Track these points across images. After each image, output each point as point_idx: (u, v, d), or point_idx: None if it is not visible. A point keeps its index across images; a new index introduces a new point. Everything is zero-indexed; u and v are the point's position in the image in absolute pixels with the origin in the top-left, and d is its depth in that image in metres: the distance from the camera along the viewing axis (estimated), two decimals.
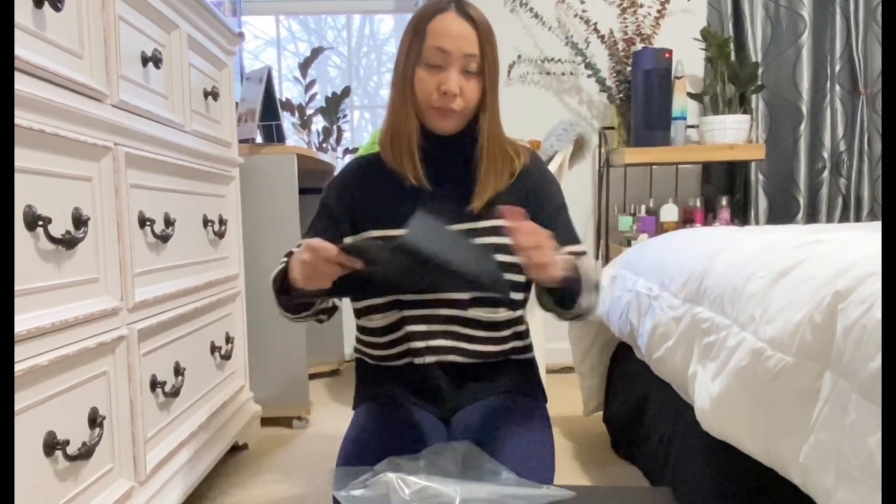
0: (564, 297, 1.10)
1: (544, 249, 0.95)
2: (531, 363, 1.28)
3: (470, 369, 1.20)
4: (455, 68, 1.11)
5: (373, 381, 1.24)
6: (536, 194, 1.21)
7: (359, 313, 1.24)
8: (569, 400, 2.23)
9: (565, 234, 1.19)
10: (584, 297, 1.11)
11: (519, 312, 1.23)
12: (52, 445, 0.95)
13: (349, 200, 1.21)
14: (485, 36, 1.11)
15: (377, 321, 1.20)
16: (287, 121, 2.76)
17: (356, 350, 1.29)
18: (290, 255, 1.16)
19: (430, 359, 1.18)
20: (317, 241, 0.93)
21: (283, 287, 1.08)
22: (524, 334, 1.26)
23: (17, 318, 0.88)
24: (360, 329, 1.26)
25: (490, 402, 1.18)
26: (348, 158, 2.94)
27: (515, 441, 1.08)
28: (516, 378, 1.23)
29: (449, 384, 1.19)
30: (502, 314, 1.19)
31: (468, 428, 1.12)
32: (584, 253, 1.20)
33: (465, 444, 1.03)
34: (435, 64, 1.11)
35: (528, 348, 1.27)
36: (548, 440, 1.14)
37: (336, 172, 1.33)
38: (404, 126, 1.15)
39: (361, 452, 1.05)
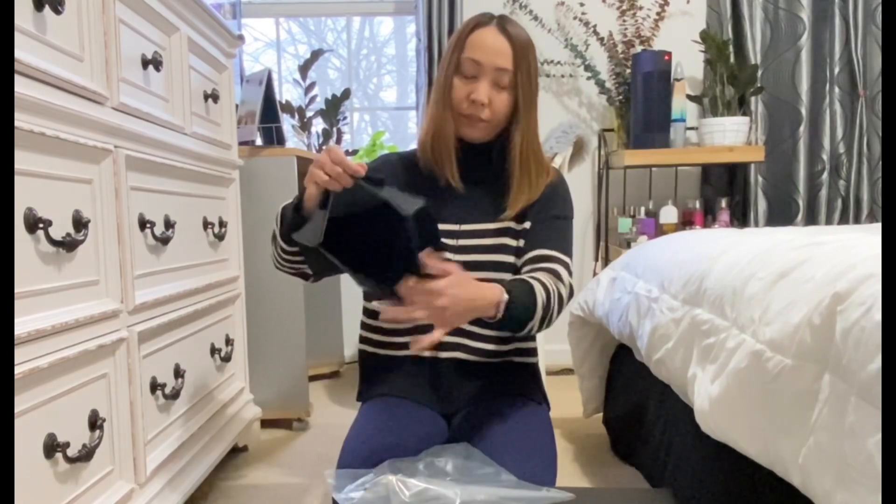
0: (504, 326, 1.06)
1: (435, 305, 0.93)
2: (534, 368, 1.28)
3: (474, 368, 1.21)
4: (486, 80, 1.14)
5: (377, 375, 1.25)
6: (544, 202, 1.23)
7: (368, 296, 1.26)
8: (568, 402, 2.23)
9: (550, 241, 1.19)
10: (536, 319, 1.07)
11: None
12: (52, 447, 0.95)
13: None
14: (521, 52, 1.15)
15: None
16: (287, 123, 2.76)
17: (361, 340, 1.30)
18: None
19: (436, 353, 1.19)
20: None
21: (285, 221, 1.09)
22: (527, 336, 1.26)
23: (17, 320, 0.88)
24: (368, 313, 1.27)
25: (492, 404, 1.18)
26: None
27: (517, 443, 1.08)
28: (519, 381, 1.24)
29: (453, 379, 1.20)
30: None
31: (470, 429, 1.13)
32: (552, 264, 1.16)
33: (464, 447, 1.03)
34: (469, 74, 1.15)
35: (532, 352, 1.27)
36: (549, 443, 1.14)
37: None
38: (443, 130, 1.19)
39: (364, 451, 1.05)
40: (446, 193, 1.23)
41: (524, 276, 1.11)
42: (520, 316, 1.04)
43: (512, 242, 1.21)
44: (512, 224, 1.22)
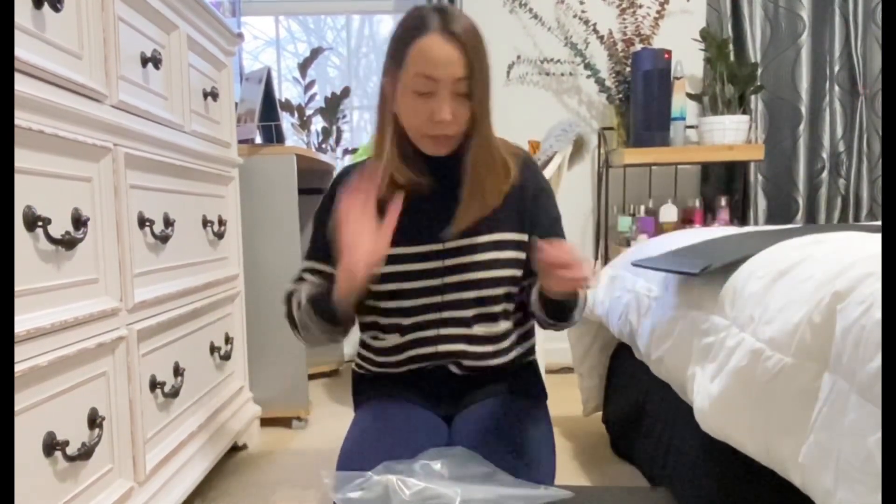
0: (558, 309, 1.10)
1: (572, 268, 0.93)
2: (532, 364, 1.28)
3: (475, 373, 1.20)
4: (445, 94, 1.04)
5: (372, 387, 1.24)
6: (533, 210, 1.18)
7: (363, 327, 1.24)
8: (568, 400, 2.22)
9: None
10: (578, 311, 1.13)
11: (516, 326, 1.23)
12: (51, 446, 0.95)
13: None
14: (473, 53, 1.03)
15: (382, 342, 1.20)
16: (286, 121, 2.76)
17: (356, 364, 1.28)
18: (300, 280, 1.18)
19: (436, 363, 1.19)
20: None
21: (319, 305, 1.08)
22: (526, 340, 1.26)
23: (16, 318, 0.88)
24: (363, 345, 1.26)
25: (492, 402, 1.18)
26: (348, 159, 2.94)
27: (516, 441, 1.08)
28: (518, 379, 1.23)
29: (453, 385, 1.20)
30: (501, 326, 1.19)
31: (470, 428, 1.12)
32: None
33: (460, 450, 1.03)
34: (424, 91, 1.04)
35: (531, 350, 1.27)
36: (548, 440, 1.14)
37: (333, 175, 1.31)
38: (405, 152, 1.12)
39: (362, 453, 1.05)
40: (425, 207, 1.15)
41: None
42: (580, 305, 1.12)
43: (514, 255, 1.16)
44: (511, 235, 1.15)
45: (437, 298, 1.15)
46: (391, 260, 1.12)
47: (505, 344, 1.21)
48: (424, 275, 1.14)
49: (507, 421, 1.13)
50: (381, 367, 1.22)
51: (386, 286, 1.15)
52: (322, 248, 1.17)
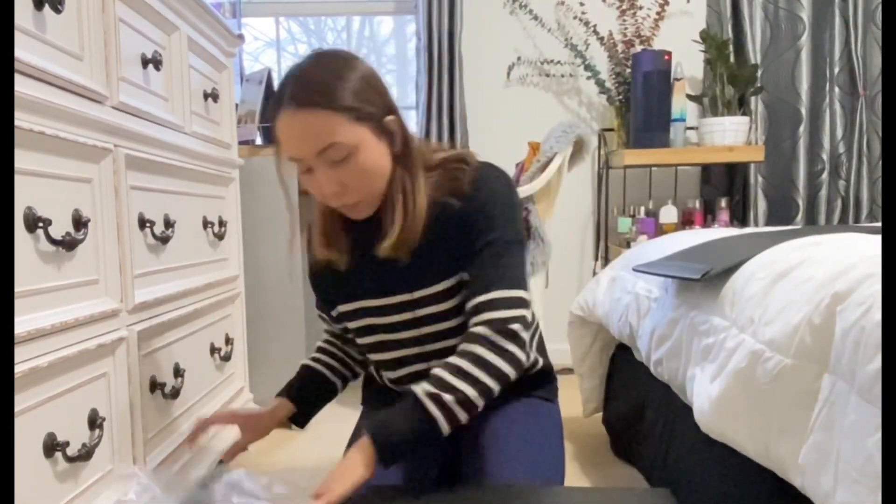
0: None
1: None
2: (546, 366, 1.27)
3: None
4: (320, 169, 0.94)
5: (379, 394, 1.26)
6: (460, 236, 1.02)
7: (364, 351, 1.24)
8: (568, 401, 2.22)
9: (479, 282, 1.00)
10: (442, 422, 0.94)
11: None
12: (51, 447, 0.95)
13: (318, 281, 1.20)
14: (328, 118, 0.91)
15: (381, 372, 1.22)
16: None
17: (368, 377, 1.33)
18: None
19: None
20: None
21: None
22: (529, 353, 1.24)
23: (17, 319, 0.88)
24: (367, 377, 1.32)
25: (501, 405, 1.16)
26: None
27: (523, 441, 1.08)
28: (529, 382, 1.21)
29: None
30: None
31: (477, 432, 1.12)
32: (486, 338, 0.96)
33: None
34: (303, 169, 0.97)
35: (543, 352, 1.26)
36: (556, 442, 1.14)
37: None
38: (337, 222, 1.08)
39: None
40: (374, 263, 1.06)
41: (416, 388, 0.94)
42: (422, 434, 0.92)
43: None
44: (431, 289, 1.05)
45: (417, 350, 1.13)
46: (362, 313, 1.12)
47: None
48: (396, 328, 1.11)
49: (514, 423, 1.12)
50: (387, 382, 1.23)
51: (365, 339, 1.16)
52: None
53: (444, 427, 0.92)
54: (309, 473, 1.80)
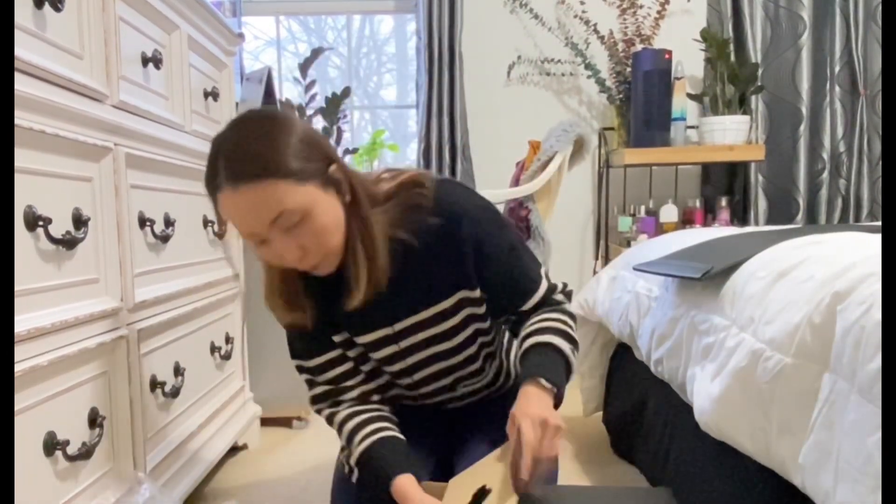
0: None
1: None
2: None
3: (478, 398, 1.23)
4: (275, 238, 0.91)
5: None
6: (477, 251, 1.03)
7: None
8: (568, 400, 2.22)
9: (517, 283, 1.06)
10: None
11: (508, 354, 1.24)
12: (52, 445, 0.95)
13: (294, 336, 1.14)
14: (277, 176, 0.87)
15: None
16: None
17: None
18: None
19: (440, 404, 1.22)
20: None
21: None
22: (504, 369, 1.24)
23: (17, 318, 0.88)
24: None
25: (496, 399, 1.19)
26: (348, 159, 2.94)
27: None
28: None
29: (455, 415, 1.22)
30: (490, 374, 1.19)
31: (473, 425, 1.12)
32: (557, 304, 1.08)
33: None
34: (258, 243, 0.93)
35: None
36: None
37: None
38: (277, 285, 1.04)
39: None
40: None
41: (537, 340, 1.01)
42: (567, 374, 1.03)
43: (469, 312, 1.08)
44: (456, 298, 1.05)
45: (408, 380, 1.14)
46: (346, 345, 1.11)
47: (500, 380, 1.22)
48: (384, 362, 1.12)
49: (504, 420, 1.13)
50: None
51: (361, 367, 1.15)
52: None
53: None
54: (309, 471, 1.80)
